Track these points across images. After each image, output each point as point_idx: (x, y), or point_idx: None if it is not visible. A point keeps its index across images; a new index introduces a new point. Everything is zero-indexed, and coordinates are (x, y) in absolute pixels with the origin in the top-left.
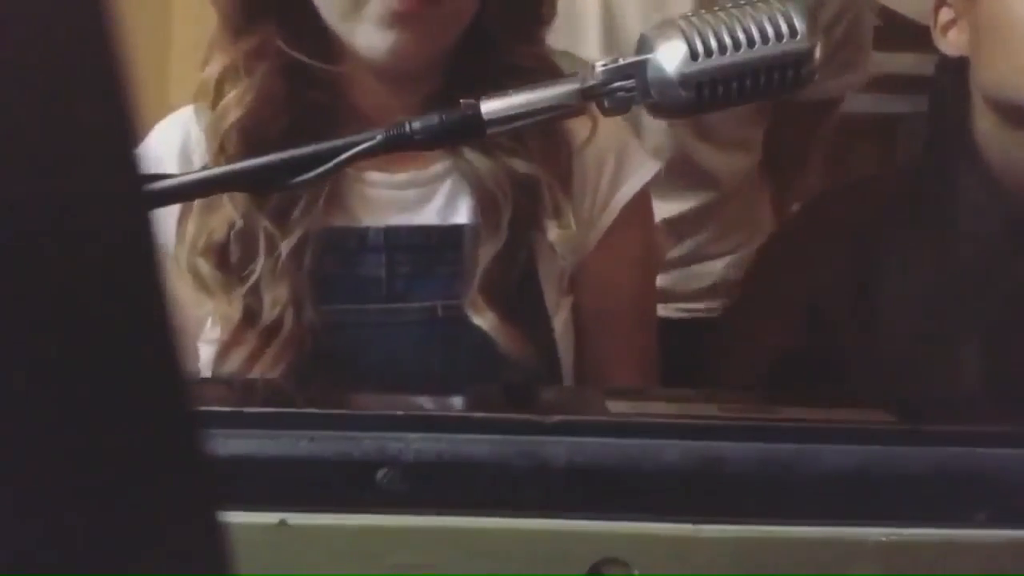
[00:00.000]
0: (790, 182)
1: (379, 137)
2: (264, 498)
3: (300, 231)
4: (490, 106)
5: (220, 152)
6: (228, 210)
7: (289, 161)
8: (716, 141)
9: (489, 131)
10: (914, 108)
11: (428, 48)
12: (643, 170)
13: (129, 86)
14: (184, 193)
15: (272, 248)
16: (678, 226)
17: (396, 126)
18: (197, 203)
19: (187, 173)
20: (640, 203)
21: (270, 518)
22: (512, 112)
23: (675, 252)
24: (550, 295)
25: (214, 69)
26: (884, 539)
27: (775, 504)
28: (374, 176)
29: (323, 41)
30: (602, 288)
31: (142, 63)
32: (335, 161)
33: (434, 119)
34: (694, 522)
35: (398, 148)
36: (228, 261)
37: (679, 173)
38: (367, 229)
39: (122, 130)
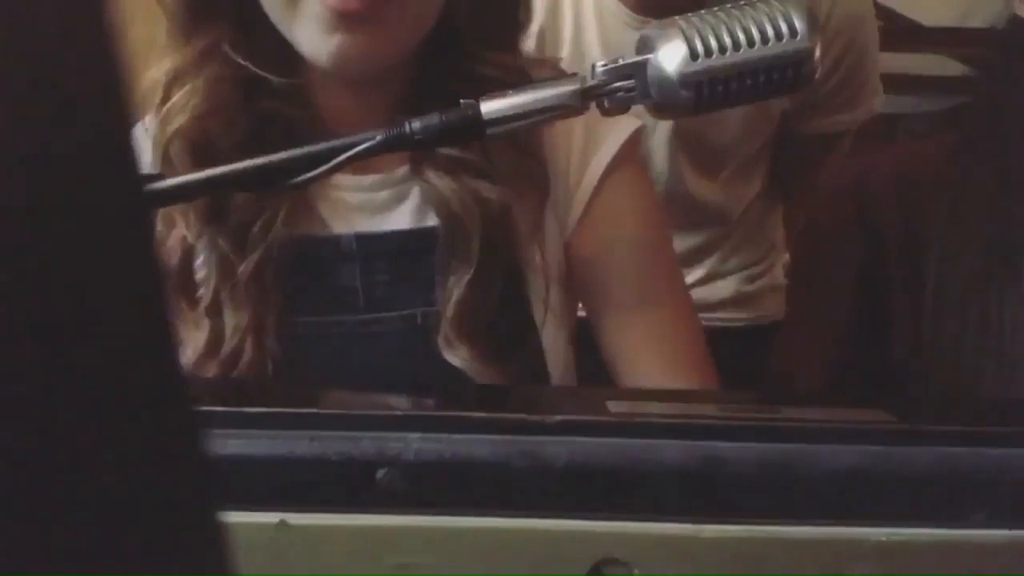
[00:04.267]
0: (801, 203)
1: (378, 137)
2: (264, 498)
3: (258, 253)
4: (490, 106)
5: (164, 162)
6: (180, 230)
7: (288, 161)
8: (720, 178)
9: (489, 131)
10: (914, 108)
11: (381, 52)
12: (616, 132)
13: (127, 85)
14: (184, 193)
15: (229, 272)
16: (690, 258)
17: (395, 126)
18: (159, 222)
19: (186, 173)
20: (619, 170)
21: (270, 518)
22: (512, 112)
23: (690, 277)
24: (538, 306)
25: (159, 72)
26: (884, 539)
27: (775, 504)
28: (342, 179)
29: (278, 46)
30: (596, 267)
31: (141, 62)
32: (334, 161)
33: (434, 119)
34: (694, 522)
35: (397, 148)
36: (188, 285)
37: (685, 211)
38: (338, 237)
39: (120, 130)
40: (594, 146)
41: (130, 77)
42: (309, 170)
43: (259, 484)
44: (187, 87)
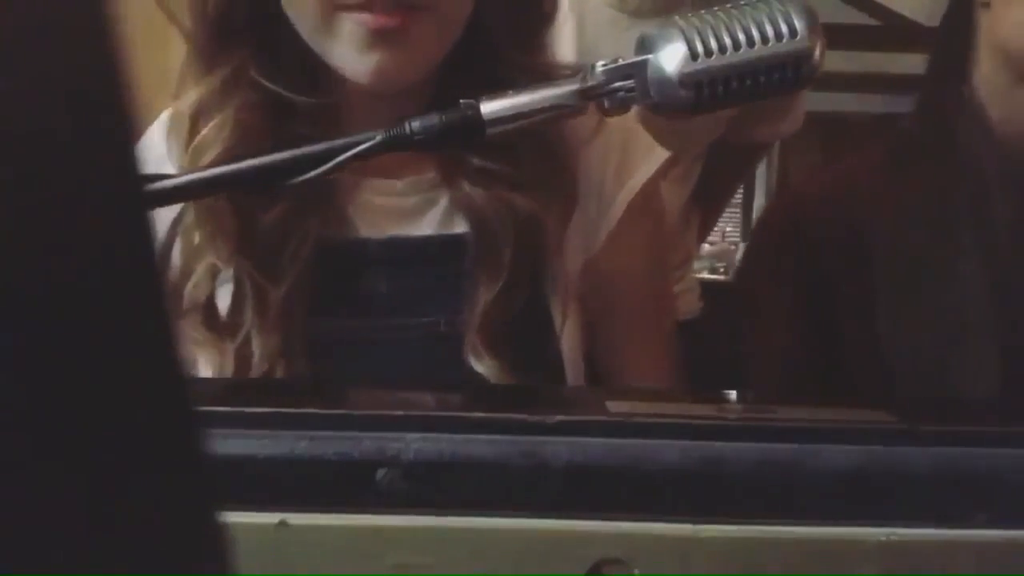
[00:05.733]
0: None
1: (379, 137)
2: (264, 498)
3: (290, 279)
4: (490, 106)
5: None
6: (210, 259)
7: (289, 161)
8: (668, 176)
9: (489, 131)
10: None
11: (418, 65)
12: (649, 161)
13: (128, 85)
14: (184, 193)
15: (263, 300)
16: None
17: (396, 126)
18: (181, 250)
19: (186, 173)
20: (647, 195)
21: (270, 518)
22: (512, 112)
23: None
24: (557, 316)
25: (185, 105)
26: (884, 539)
27: (775, 504)
28: (373, 182)
29: (305, 69)
30: (614, 283)
31: (141, 62)
32: (334, 161)
33: (434, 119)
34: (694, 522)
35: (397, 148)
36: (216, 316)
37: None
38: (366, 240)
39: (121, 129)
40: (632, 167)
41: (130, 76)
42: (309, 170)
43: (259, 484)
44: (215, 120)
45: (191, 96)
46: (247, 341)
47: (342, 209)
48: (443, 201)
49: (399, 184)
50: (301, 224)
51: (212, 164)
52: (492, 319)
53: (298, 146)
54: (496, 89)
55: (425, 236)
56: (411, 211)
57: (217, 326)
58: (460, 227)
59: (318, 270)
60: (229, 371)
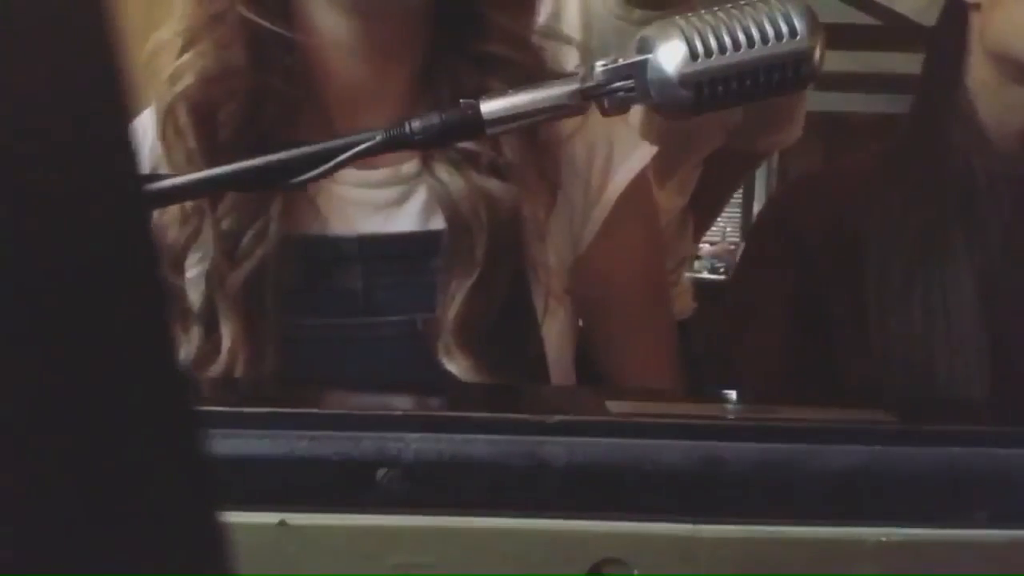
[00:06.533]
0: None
1: (379, 137)
2: (264, 498)
3: (250, 263)
4: (490, 106)
5: (167, 123)
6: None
7: (288, 161)
8: (667, 185)
9: (489, 131)
10: None
11: None
12: (636, 156)
13: (127, 84)
14: (184, 193)
15: (222, 280)
16: None
17: (396, 126)
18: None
19: (186, 173)
20: (636, 190)
21: (270, 518)
22: (512, 112)
23: None
24: (539, 305)
25: (169, 32)
26: (884, 539)
27: (775, 504)
28: (346, 175)
29: (290, 13)
30: (609, 279)
31: (139, 60)
32: (334, 161)
33: (434, 119)
34: (694, 522)
35: (398, 148)
36: (180, 267)
37: None
38: (339, 239)
39: (120, 129)
40: (620, 158)
41: (129, 75)
42: (308, 170)
43: (259, 484)
44: (197, 48)
45: (177, 25)
46: (213, 326)
47: (313, 201)
48: (420, 194)
49: (376, 175)
50: (262, 208)
51: (185, 92)
52: (466, 317)
53: (272, 97)
54: (479, 58)
55: (400, 233)
56: (388, 204)
57: (182, 307)
58: (437, 223)
59: (290, 264)
60: (191, 354)
